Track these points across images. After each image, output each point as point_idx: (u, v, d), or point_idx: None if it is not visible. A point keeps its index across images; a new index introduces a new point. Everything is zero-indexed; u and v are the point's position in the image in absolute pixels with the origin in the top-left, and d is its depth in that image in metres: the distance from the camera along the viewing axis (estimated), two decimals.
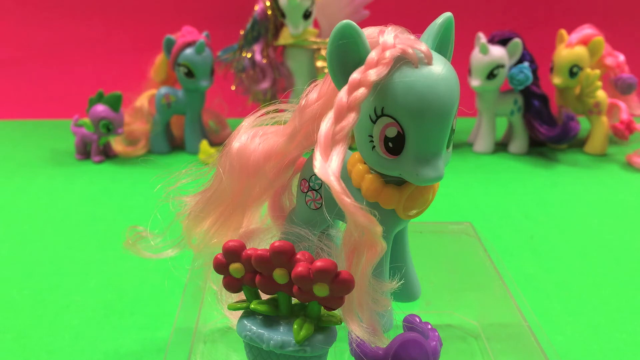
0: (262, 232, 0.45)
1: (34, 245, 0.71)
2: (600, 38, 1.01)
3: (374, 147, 0.35)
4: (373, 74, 0.33)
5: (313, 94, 0.39)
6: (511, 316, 0.46)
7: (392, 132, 0.34)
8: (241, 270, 0.35)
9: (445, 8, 0.40)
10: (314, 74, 1.05)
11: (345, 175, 0.39)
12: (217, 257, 0.35)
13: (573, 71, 1.02)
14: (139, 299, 0.59)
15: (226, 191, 0.42)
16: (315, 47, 1.04)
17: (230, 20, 1.19)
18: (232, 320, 0.42)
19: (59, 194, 0.87)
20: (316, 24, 1.07)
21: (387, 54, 0.33)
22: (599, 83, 1.02)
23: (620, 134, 1.03)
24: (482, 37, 1.01)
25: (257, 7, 1.03)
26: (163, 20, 1.36)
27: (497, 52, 0.99)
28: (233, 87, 1.07)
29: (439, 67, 0.34)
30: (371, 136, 0.35)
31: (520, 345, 0.44)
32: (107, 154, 1.02)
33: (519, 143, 1.06)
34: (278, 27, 1.04)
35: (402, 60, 0.34)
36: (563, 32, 1.04)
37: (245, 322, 0.36)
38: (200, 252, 0.45)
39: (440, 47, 0.36)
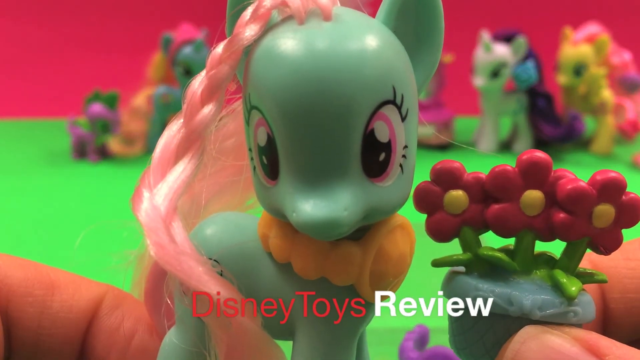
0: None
1: (31, 245, 0.70)
2: (605, 36, 1.00)
3: (254, 167, 0.23)
4: (240, 38, 0.22)
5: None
6: None
7: (262, 138, 0.22)
8: (464, 201, 0.25)
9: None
10: None
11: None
12: (423, 185, 0.24)
13: (578, 70, 1.01)
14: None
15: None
16: None
17: None
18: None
19: (55, 193, 0.86)
20: None
21: (267, 3, 0.22)
22: (604, 82, 1.01)
23: (625, 134, 1.02)
24: (485, 35, 0.99)
25: None
26: (161, 18, 1.35)
27: (501, 50, 0.98)
28: (232, 87, 1.06)
29: (339, 28, 0.20)
30: (250, 150, 0.23)
31: None
32: (104, 154, 1.01)
33: (523, 142, 1.05)
34: None
35: (285, 17, 0.22)
36: (568, 30, 1.03)
37: (469, 279, 0.26)
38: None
39: (416, 28, 0.23)
